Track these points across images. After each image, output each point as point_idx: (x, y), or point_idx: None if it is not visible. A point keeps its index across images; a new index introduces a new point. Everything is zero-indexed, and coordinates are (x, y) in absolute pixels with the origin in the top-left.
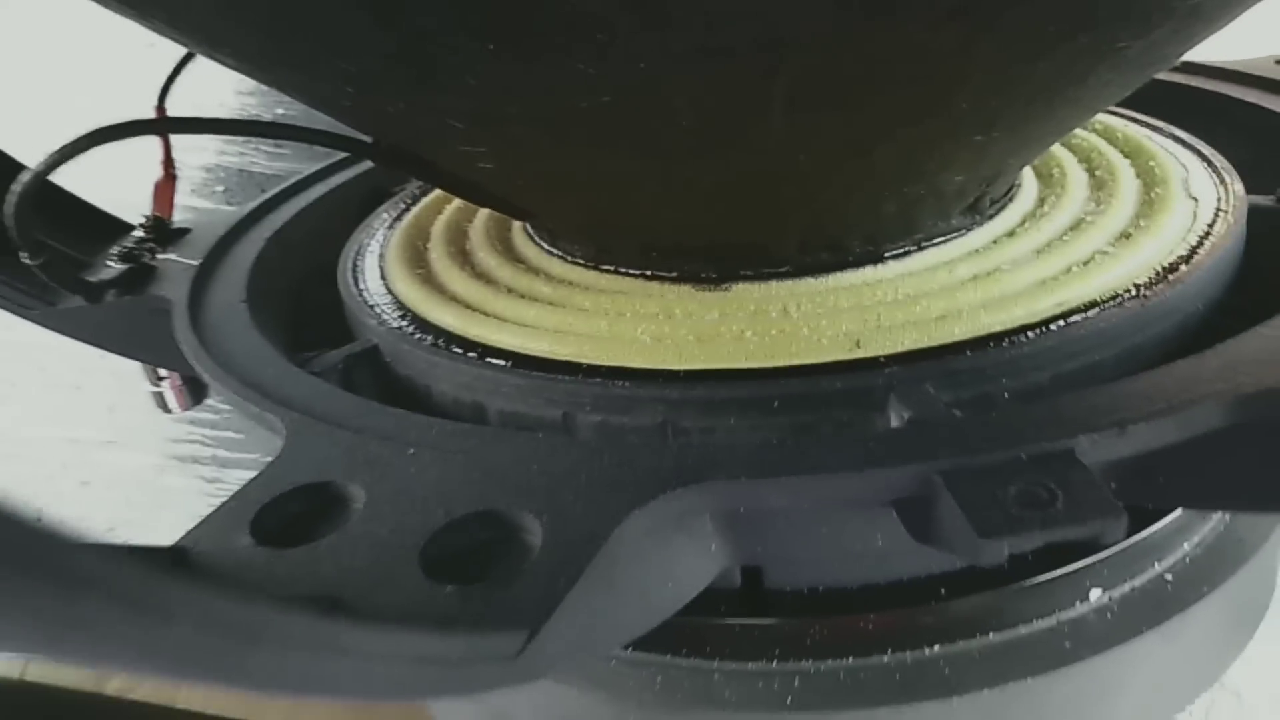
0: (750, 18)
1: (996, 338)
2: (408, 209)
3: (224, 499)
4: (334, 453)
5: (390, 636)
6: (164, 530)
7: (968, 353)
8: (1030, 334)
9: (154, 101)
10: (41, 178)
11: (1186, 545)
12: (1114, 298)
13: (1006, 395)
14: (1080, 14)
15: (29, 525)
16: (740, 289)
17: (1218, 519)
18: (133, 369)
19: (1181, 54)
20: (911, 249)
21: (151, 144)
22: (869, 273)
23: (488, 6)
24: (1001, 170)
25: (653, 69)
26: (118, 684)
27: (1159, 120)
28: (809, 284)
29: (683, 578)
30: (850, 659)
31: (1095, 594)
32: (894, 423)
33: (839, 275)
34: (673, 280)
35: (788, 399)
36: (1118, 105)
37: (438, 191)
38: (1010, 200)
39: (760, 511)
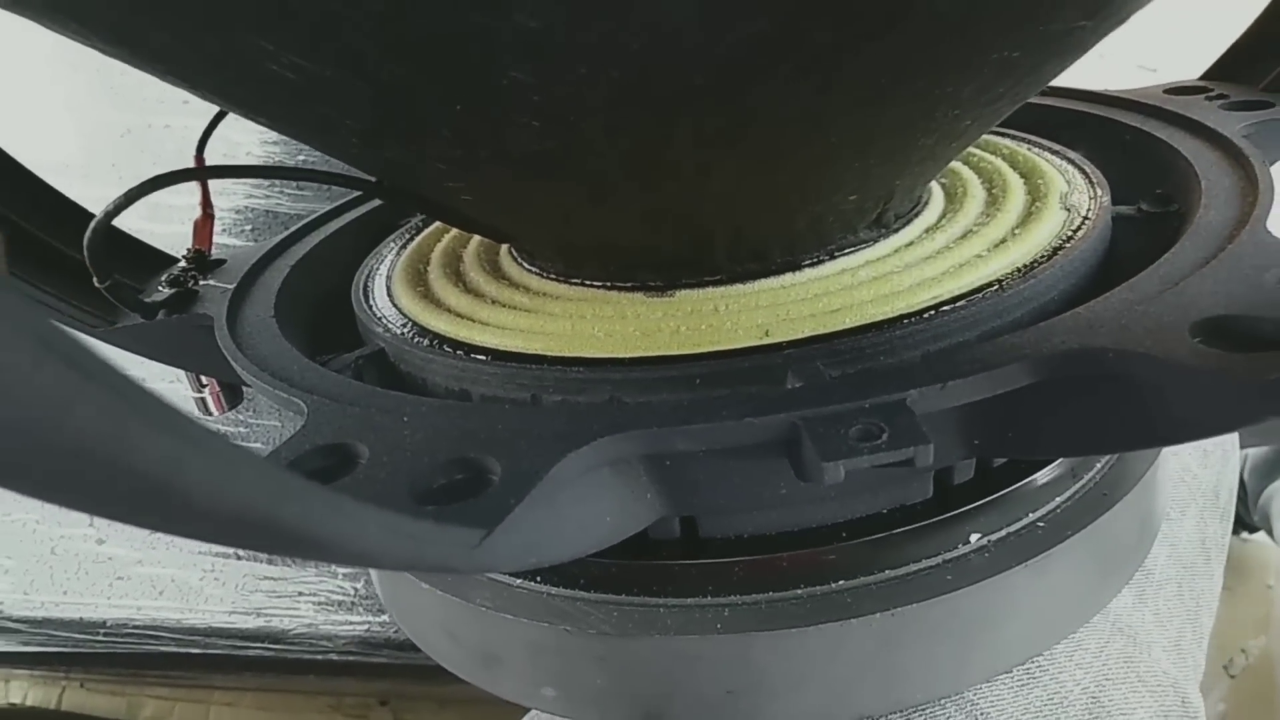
0: (648, 80)
1: (879, 325)
2: (411, 239)
3: None
4: (345, 422)
5: (383, 513)
6: None
7: (854, 337)
8: (907, 322)
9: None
10: (111, 218)
11: (1057, 499)
12: (978, 291)
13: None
14: (902, 69)
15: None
16: (682, 294)
17: (1087, 478)
18: (178, 380)
19: (1027, 93)
20: (825, 258)
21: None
22: (788, 278)
23: (454, 79)
24: (893, 190)
25: (580, 119)
26: (150, 712)
27: (1058, 144)
28: (738, 288)
29: (621, 515)
30: (770, 592)
31: (975, 537)
32: None
33: (763, 281)
34: (628, 289)
35: (708, 376)
36: (1025, 131)
37: (436, 225)
38: (916, 215)
39: (688, 467)
